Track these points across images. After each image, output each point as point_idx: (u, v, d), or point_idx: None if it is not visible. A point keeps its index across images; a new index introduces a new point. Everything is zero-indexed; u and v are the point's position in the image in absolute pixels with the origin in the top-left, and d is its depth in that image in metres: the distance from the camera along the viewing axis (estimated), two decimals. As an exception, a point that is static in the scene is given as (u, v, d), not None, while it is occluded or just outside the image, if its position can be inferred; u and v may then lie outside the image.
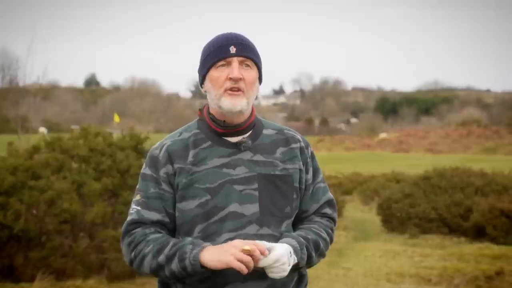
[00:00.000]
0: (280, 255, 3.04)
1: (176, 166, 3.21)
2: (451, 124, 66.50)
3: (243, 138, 3.26)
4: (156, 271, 3.10)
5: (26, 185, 10.79)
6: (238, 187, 3.19)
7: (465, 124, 60.06)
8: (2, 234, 10.52)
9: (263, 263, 3.04)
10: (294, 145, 3.36)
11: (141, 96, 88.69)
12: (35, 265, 10.61)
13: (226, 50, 3.22)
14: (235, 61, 3.21)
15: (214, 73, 3.22)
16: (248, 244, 2.98)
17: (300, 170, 3.34)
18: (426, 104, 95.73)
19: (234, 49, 3.22)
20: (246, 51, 3.24)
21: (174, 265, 3.04)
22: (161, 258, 3.07)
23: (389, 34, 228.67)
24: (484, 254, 13.13)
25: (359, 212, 21.62)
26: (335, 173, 30.21)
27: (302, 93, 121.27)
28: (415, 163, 38.01)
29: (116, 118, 39.72)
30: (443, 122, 76.34)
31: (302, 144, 3.40)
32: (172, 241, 3.11)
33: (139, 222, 3.20)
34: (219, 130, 3.25)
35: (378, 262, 13.02)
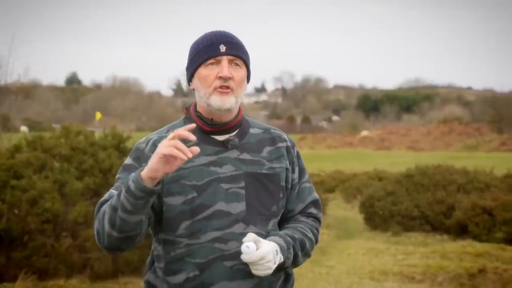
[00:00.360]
0: (266, 253, 3.05)
1: None
2: (432, 122, 66.71)
3: (230, 136, 3.27)
4: (112, 219, 3.01)
5: (8, 185, 10.72)
6: (225, 186, 3.19)
7: (447, 122, 60.26)
8: (-16, 234, 10.46)
9: (248, 258, 3.05)
10: (280, 144, 3.39)
11: (123, 95, 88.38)
12: (18, 265, 10.54)
13: (216, 48, 3.22)
14: (224, 59, 3.21)
15: (203, 71, 3.22)
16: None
17: (287, 169, 3.36)
18: (408, 102, 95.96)
19: (224, 47, 3.22)
20: (236, 50, 3.24)
21: (123, 196, 2.96)
22: (114, 200, 3.01)
23: (371, 32, 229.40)
24: (467, 251, 13.17)
25: (341, 210, 21.65)
26: (318, 171, 30.21)
27: (283, 91, 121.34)
28: (397, 160, 38.12)
29: (98, 116, 39.55)
30: (425, 120, 76.55)
31: (289, 143, 3.43)
32: None
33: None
34: (207, 128, 3.26)
35: (361, 260, 13.03)
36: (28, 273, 10.44)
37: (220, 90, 3.17)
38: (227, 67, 3.19)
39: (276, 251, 3.11)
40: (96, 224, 3.12)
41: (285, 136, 3.44)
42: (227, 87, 3.18)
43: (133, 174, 2.96)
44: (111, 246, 3.11)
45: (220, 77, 3.18)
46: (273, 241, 3.14)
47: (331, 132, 73.44)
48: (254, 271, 3.08)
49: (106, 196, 3.17)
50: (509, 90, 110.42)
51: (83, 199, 11.06)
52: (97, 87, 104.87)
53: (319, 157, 43.59)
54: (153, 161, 2.90)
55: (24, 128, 47.93)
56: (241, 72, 3.24)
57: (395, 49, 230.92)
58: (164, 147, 2.87)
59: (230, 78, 3.18)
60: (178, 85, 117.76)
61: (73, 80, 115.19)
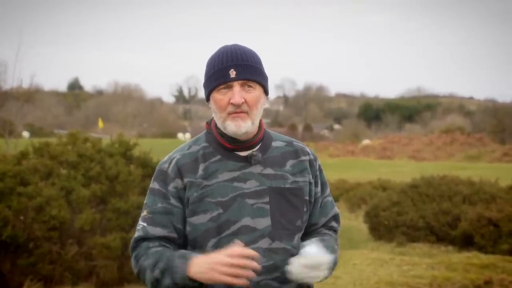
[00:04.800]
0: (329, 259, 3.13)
1: (186, 180, 3.18)
2: (434, 131, 66.61)
3: (253, 151, 3.24)
4: (156, 285, 3.08)
5: (14, 191, 10.72)
6: (250, 201, 3.17)
7: (449, 131, 60.11)
8: (-10, 241, 10.44)
9: (319, 259, 3.08)
10: (303, 158, 3.37)
11: (124, 101, 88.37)
12: (23, 272, 10.53)
13: (225, 73, 3.17)
14: (236, 85, 3.17)
15: (216, 95, 3.19)
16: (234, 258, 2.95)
17: (310, 183, 3.35)
18: (409, 111, 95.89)
19: (234, 72, 3.17)
20: (247, 73, 3.19)
21: (168, 280, 3.02)
22: (156, 272, 3.05)
23: (373, 41, 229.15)
24: (473, 263, 13.10)
25: (345, 220, 21.54)
26: (321, 180, 30.14)
27: (285, 99, 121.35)
28: (400, 170, 38.07)
29: (100, 124, 39.68)
30: (427, 129, 76.47)
31: (311, 156, 3.43)
32: (167, 253, 3.08)
33: (144, 239, 3.18)
34: (228, 146, 3.23)
35: (367, 271, 12.96)
36: (33, 280, 10.44)
37: (234, 115, 3.15)
38: (239, 93, 3.16)
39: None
40: (135, 267, 3.18)
41: (307, 149, 3.43)
42: (241, 112, 3.15)
43: (180, 267, 3.00)
44: None
45: (233, 103, 3.15)
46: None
47: (333, 140, 73.39)
48: (304, 275, 3.08)
49: (140, 231, 3.20)
50: (511, 100, 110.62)
51: (89, 206, 11.05)
52: (99, 92, 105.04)
53: (322, 166, 43.54)
54: (207, 281, 2.97)
55: (25, 134, 47.83)
56: (254, 93, 3.20)
57: (397, 58, 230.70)
58: (223, 277, 2.93)
59: (243, 103, 3.16)
60: (180, 92, 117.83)
61: (74, 85, 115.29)
